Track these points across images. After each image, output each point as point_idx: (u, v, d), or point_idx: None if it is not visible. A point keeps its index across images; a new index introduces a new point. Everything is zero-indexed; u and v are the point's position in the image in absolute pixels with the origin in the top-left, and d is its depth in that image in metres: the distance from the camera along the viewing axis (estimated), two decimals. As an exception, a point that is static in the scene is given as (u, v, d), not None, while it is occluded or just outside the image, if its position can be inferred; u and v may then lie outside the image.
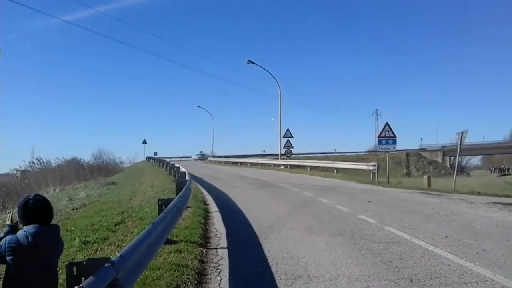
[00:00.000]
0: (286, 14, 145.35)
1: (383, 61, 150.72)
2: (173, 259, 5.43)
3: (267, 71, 38.27)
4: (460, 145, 19.79)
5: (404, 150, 64.28)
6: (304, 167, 31.02)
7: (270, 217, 9.22)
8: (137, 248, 3.79)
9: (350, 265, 5.24)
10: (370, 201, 11.74)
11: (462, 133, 19.15)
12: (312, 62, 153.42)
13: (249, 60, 36.22)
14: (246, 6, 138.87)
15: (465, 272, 4.84)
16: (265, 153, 65.29)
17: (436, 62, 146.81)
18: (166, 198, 7.17)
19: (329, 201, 11.76)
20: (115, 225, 8.52)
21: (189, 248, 6.04)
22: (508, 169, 77.11)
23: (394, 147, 21.28)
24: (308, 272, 5.02)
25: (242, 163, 44.21)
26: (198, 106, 69.21)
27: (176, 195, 8.33)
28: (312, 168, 29.89)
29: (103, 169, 39.29)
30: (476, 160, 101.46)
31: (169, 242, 6.22)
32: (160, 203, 6.61)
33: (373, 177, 21.44)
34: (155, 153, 53.91)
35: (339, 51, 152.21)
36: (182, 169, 15.01)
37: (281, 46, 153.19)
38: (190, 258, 5.51)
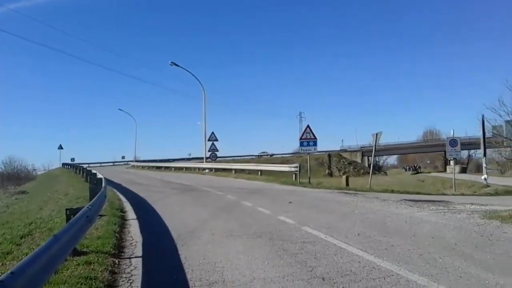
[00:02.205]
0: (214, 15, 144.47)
1: (307, 64, 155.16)
2: (81, 271, 5.08)
3: (191, 73, 38.01)
4: (375, 145, 20.95)
5: (326, 151, 66.89)
6: (229, 170, 31.06)
7: (191, 223, 9.04)
8: (33, 263, 3.47)
9: (266, 267, 5.25)
10: (291, 202, 11.96)
11: (376, 134, 20.28)
12: (239, 66, 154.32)
13: (172, 62, 35.64)
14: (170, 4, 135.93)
15: (374, 268, 5.04)
16: (191, 156, 64.69)
17: (351, 65, 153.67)
18: (76, 207, 6.74)
19: (252, 204, 11.81)
20: (21, 237, 7.90)
21: (100, 259, 5.69)
22: (420, 167, 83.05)
23: (315, 149, 22.00)
24: (224, 277, 4.94)
25: (166, 168, 43.33)
26: (120, 109, 66.83)
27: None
28: (237, 171, 30.01)
29: (13, 177, 36.54)
30: (392, 159, 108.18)
31: (78, 253, 5.83)
32: (68, 213, 6.17)
33: (295, 178, 21.96)
34: (73, 159, 51.14)
35: (266, 56, 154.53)
36: (99, 175, 14.28)
37: (207, 48, 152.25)
38: (100, 270, 5.19)
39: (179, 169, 40.09)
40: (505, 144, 42.36)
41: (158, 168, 45.33)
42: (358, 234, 7.10)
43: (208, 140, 35.33)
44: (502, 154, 44.57)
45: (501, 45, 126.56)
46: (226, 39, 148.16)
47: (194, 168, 37.75)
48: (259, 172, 26.98)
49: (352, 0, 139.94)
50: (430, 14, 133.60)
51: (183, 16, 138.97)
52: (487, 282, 4.39)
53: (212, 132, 35.36)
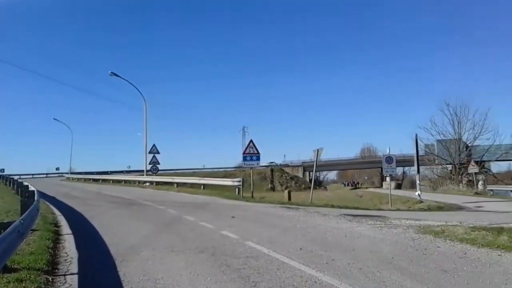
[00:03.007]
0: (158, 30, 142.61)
1: (252, 80, 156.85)
2: (11, 290, 4.74)
3: (131, 83, 37.32)
4: (316, 161, 21.46)
5: (269, 165, 67.67)
6: (171, 183, 30.48)
7: (130, 238, 8.73)
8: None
9: (209, 283, 5.16)
10: (233, 217, 11.92)
11: (318, 150, 20.80)
12: (183, 79, 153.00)
13: (112, 72, 34.74)
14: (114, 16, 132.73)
15: (315, 282, 5.10)
16: (130, 169, 62.90)
17: (292, 83, 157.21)
18: (6, 221, 6.31)
19: (194, 218, 11.64)
20: None
21: (32, 276, 5.33)
22: (358, 183, 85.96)
23: (258, 163, 22.18)
24: (165, 295, 4.80)
25: (104, 181, 41.83)
26: (55, 119, 63.85)
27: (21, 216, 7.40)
28: (180, 184, 29.53)
29: None
30: (333, 174, 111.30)
31: (8, 270, 5.44)
32: (-4, 228, 5.76)
33: (238, 192, 21.95)
34: (2, 170, 48.07)
35: (210, 70, 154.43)
36: (31, 188, 13.48)
37: (150, 60, 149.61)
38: (32, 288, 4.87)
39: (118, 182, 38.88)
40: (436, 162, 45.32)
41: (95, 180, 43.68)
42: (300, 249, 7.18)
43: (149, 152, 34.57)
44: (434, 171, 47.53)
45: (430, 65, 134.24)
46: (170, 53, 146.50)
47: (134, 181, 36.75)
48: (202, 186, 26.73)
49: (293, 14, 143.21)
50: (373, 29, 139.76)
51: (126, 28, 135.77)
52: (421, 294, 4.58)
53: (154, 145, 34.68)
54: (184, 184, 29.86)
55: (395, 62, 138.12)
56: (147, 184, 33.30)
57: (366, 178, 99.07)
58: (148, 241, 8.33)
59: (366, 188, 67.27)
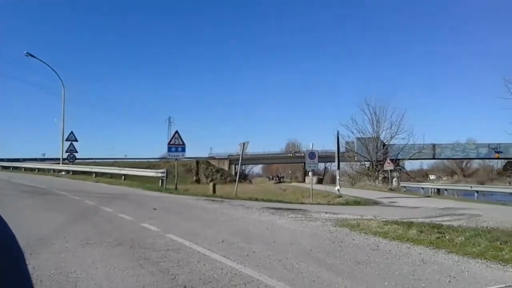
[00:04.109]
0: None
1: (180, 70, 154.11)
2: None
3: (49, 66, 35.17)
4: (242, 154, 21.60)
5: (194, 158, 66.99)
6: (89, 173, 29.22)
7: (42, 230, 8.16)
8: None
9: (126, 277, 4.96)
10: (155, 209, 11.63)
11: (244, 143, 20.94)
12: (106, 66, 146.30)
13: (27, 53, 32.36)
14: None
15: (235, 274, 5.10)
16: (45, 157, 59.14)
17: (220, 78, 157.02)
18: None
19: (113, 210, 11.18)
20: None
21: None
22: (283, 177, 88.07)
23: (183, 155, 21.83)
24: (77, 289, 4.53)
25: (15, 168, 38.99)
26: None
27: None
28: (99, 174, 28.38)
29: None
30: (258, 168, 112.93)
31: None
32: None
33: (161, 184, 21.53)
34: None
35: (135, 58, 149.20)
36: None
37: (73, 46, 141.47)
38: None
39: (31, 170, 36.55)
40: (356, 158, 47.69)
41: (6, 168, 40.57)
42: (222, 241, 7.16)
43: (66, 140, 32.79)
44: (353, 168, 49.99)
45: (354, 64, 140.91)
46: (94, 39, 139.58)
47: (49, 170, 34.73)
48: (123, 177, 25.85)
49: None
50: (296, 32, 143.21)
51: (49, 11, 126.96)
52: (336, 285, 4.74)
53: (71, 132, 32.94)
54: (103, 174, 28.78)
55: (320, 61, 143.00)
56: (63, 173, 31.66)
57: (290, 172, 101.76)
58: (61, 233, 7.84)
59: (290, 182, 69.30)
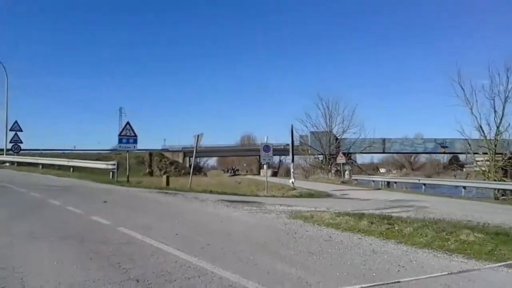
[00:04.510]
0: None
1: (132, 62, 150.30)
2: None
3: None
4: (196, 146, 21.38)
5: (147, 149, 65.62)
6: (35, 164, 27.93)
7: (-18, 223, 7.74)
8: None
9: (75, 271, 4.78)
10: (105, 202, 11.31)
11: (198, 136, 20.73)
12: (52, 54, 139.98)
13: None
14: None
15: (189, 267, 5.04)
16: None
17: (176, 69, 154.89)
18: None
19: (60, 203, 10.75)
20: None
21: None
22: (238, 170, 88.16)
23: (135, 147, 21.33)
24: (24, 284, 4.31)
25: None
26: None
27: None
28: (46, 166, 27.22)
29: None
30: (213, 161, 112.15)
31: None
32: None
33: (112, 176, 20.98)
34: None
35: (87, 44, 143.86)
36: None
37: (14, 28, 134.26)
38: None
39: (-29, 161, 34.43)
40: (309, 152, 48.48)
41: None
42: (176, 234, 7.07)
43: (10, 130, 31.20)
44: (307, 161, 50.79)
45: (308, 60, 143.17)
46: (43, 24, 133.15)
47: (-9, 161, 32.91)
48: (72, 169, 24.97)
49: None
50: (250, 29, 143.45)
51: None
52: (290, 276, 4.80)
53: (16, 121, 31.32)
54: (51, 165, 27.63)
55: (277, 53, 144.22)
56: (7, 164, 30.16)
57: (245, 165, 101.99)
58: (5, 227, 7.46)
59: (245, 175, 69.49)
